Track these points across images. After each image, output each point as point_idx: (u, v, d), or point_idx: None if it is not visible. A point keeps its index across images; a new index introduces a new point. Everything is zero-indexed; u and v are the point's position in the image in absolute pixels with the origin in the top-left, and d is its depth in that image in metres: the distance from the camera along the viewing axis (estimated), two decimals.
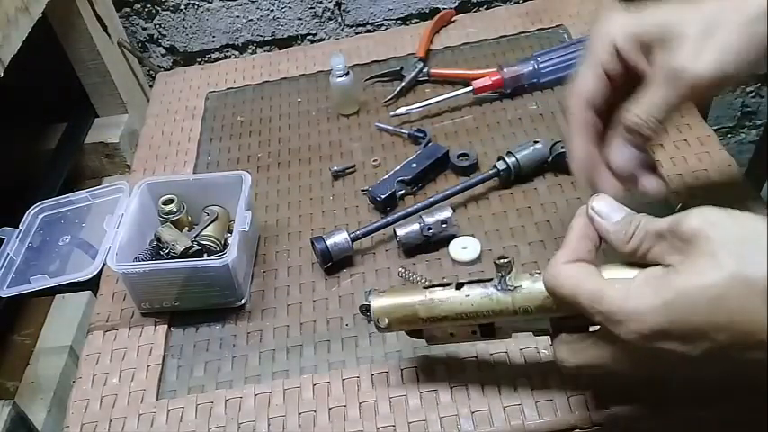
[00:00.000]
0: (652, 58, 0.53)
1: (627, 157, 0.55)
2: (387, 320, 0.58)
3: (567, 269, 0.48)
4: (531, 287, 0.52)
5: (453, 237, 0.77)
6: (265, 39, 1.41)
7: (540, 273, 0.51)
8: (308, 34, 1.41)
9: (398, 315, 0.57)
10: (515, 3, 1.29)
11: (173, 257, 0.75)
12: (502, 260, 0.52)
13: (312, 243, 0.78)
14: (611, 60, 0.55)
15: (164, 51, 1.41)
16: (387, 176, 0.85)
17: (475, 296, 0.54)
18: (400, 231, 0.77)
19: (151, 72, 1.38)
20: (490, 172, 0.82)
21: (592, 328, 0.51)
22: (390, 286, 0.73)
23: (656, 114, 0.52)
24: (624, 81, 0.56)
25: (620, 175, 0.56)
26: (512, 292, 0.53)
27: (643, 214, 0.48)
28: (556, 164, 0.83)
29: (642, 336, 0.43)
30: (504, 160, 0.82)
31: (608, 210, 0.49)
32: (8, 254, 0.76)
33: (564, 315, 0.51)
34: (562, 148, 0.81)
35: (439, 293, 0.55)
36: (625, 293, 0.44)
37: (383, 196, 0.83)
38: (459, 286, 0.55)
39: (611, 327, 0.44)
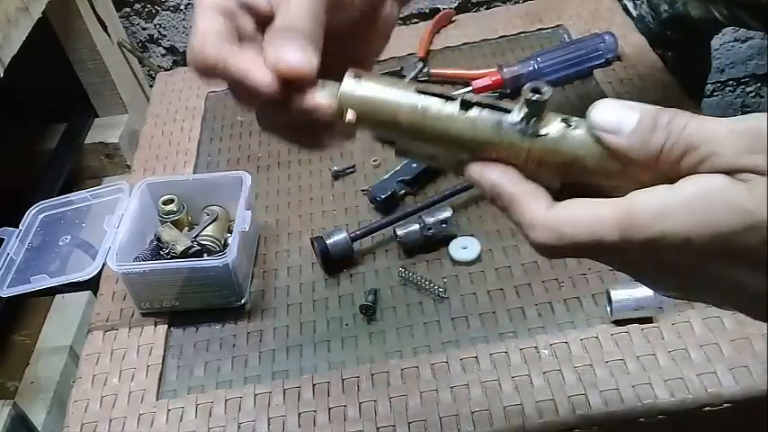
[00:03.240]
0: None
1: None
2: (354, 114, 0.42)
3: (564, 213, 0.37)
4: (559, 140, 0.39)
5: (453, 237, 0.77)
6: None
7: (575, 122, 0.39)
8: None
9: (370, 113, 0.42)
10: (515, 3, 1.29)
11: (173, 257, 0.75)
12: (534, 95, 0.39)
13: (312, 243, 0.78)
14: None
15: (164, 51, 1.41)
16: (387, 176, 0.85)
17: (482, 126, 0.40)
18: (400, 231, 0.77)
19: (151, 72, 1.38)
20: None
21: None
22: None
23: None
24: None
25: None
26: (532, 138, 0.39)
27: (669, 110, 0.36)
28: None
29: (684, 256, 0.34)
30: None
31: (615, 119, 0.37)
32: (8, 254, 0.76)
33: (582, 180, 0.40)
34: None
35: (435, 106, 0.41)
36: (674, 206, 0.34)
37: (383, 196, 0.83)
38: (465, 105, 0.40)
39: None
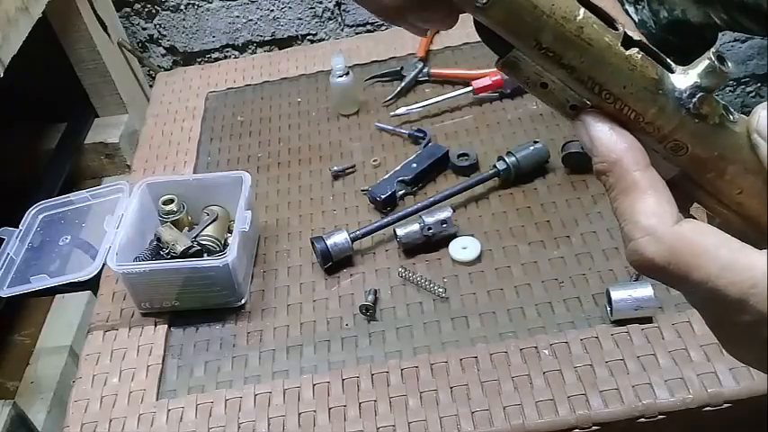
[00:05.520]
0: None
1: None
2: None
3: (694, 240, 0.30)
4: (715, 129, 0.32)
5: (453, 237, 0.77)
6: (265, 39, 1.41)
7: (736, 117, 0.32)
8: (308, 34, 1.41)
9: (513, 6, 0.32)
10: None
11: (173, 257, 0.75)
12: (721, 66, 0.31)
13: (312, 243, 0.78)
14: None
15: (164, 51, 1.42)
16: (387, 176, 0.85)
17: (639, 76, 0.32)
18: (400, 231, 0.77)
19: (151, 72, 1.38)
20: (490, 172, 0.82)
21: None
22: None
23: None
24: None
25: None
26: (688, 115, 0.31)
27: None
28: (565, 162, 0.83)
29: None
30: (504, 160, 0.82)
31: None
32: (8, 254, 0.76)
33: (706, 186, 0.33)
34: (575, 149, 0.81)
35: (595, 29, 0.31)
36: None
37: (383, 196, 0.83)
38: (627, 42, 0.32)
39: None
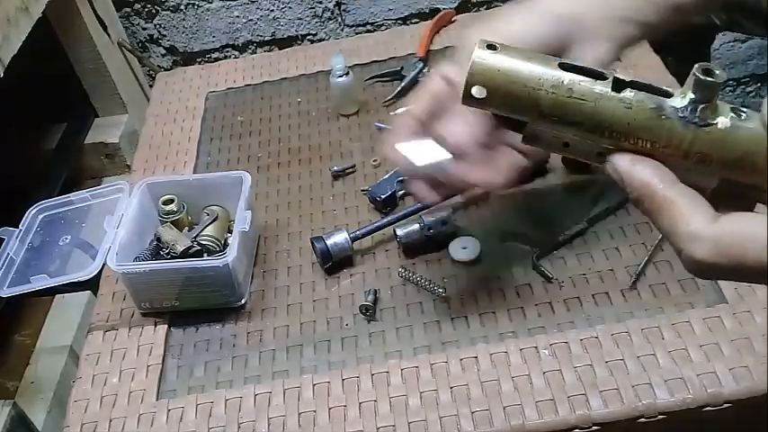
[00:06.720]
0: None
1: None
2: (485, 92, 0.36)
3: (734, 229, 0.33)
4: (730, 132, 0.34)
5: (453, 237, 0.77)
6: (265, 39, 1.41)
7: (747, 113, 0.34)
8: (308, 34, 1.41)
9: (507, 91, 0.36)
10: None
11: (173, 257, 0.75)
12: (707, 78, 0.33)
13: (312, 243, 0.78)
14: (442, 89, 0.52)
15: (164, 51, 1.42)
16: (387, 176, 0.85)
17: (639, 109, 0.34)
18: (400, 231, 0.77)
19: (151, 72, 1.38)
20: None
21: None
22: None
23: None
24: None
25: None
26: (697, 128, 0.34)
27: None
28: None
29: None
30: None
31: None
32: (8, 254, 0.76)
33: (746, 181, 0.35)
34: None
35: (584, 84, 0.35)
36: None
37: (383, 196, 0.83)
38: (618, 85, 0.35)
39: None
